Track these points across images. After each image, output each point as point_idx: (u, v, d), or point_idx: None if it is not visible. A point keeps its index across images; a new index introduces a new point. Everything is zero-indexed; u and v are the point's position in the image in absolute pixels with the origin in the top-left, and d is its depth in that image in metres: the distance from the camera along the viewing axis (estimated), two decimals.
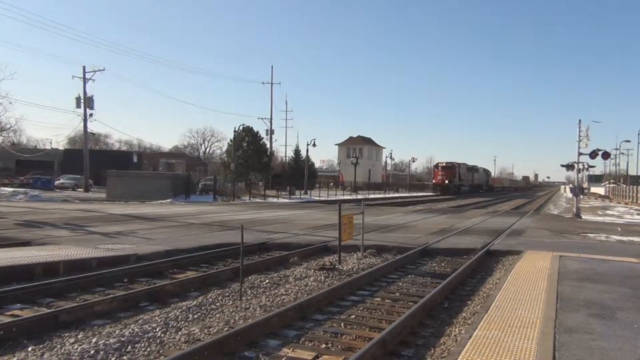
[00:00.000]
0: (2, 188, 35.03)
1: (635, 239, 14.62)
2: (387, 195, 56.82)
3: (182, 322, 5.71)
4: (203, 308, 6.30)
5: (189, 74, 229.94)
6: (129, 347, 4.78)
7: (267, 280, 8.01)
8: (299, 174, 57.66)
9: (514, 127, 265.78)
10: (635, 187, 48.09)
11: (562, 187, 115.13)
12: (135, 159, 63.04)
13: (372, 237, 12.48)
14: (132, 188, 32.95)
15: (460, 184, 70.10)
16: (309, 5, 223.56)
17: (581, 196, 30.47)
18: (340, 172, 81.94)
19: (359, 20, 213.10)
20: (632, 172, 75.84)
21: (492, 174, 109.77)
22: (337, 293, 7.09)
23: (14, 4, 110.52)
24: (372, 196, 51.05)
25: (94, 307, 6.11)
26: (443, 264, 10.21)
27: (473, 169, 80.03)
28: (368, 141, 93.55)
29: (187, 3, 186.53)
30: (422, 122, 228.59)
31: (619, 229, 17.62)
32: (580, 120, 25.65)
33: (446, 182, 66.07)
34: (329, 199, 42.96)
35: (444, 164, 69.22)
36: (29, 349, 4.71)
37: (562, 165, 27.79)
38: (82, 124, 43.79)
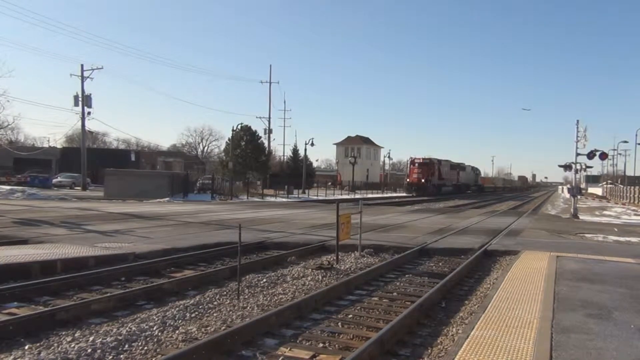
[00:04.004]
0: None
1: (632, 239, 14.65)
2: (385, 195, 56.76)
3: (180, 321, 5.71)
4: (200, 307, 6.30)
5: (187, 73, 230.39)
6: (126, 346, 4.78)
7: (264, 280, 8.01)
8: (297, 173, 57.65)
9: (512, 128, 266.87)
10: (632, 187, 48.25)
11: (560, 187, 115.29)
12: (133, 158, 63.04)
13: (369, 236, 12.48)
14: (130, 186, 32.92)
15: (441, 184, 61.05)
16: (309, 5, 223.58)
17: (579, 197, 30.49)
18: (338, 172, 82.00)
19: (358, 20, 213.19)
20: (630, 172, 76.24)
21: (489, 174, 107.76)
22: (334, 292, 7.09)
23: (13, 1, 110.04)
24: (370, 196, 51.02)
25: (91, 305, 6.10)
26: (441, 264, 10.22)
27: (458, 167, 70.38)
28: (366, 141, 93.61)
29: (186, 3, 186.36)
30: (420, 122, 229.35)
31: (616, 229, 17.67)
32: (578, 121, 25.60)
33: (422, 180, 56.79)
34: (327, 198, 42.94)
35: (421, 160, 59.32)
36: (26, 347, 4.70)
37: (560, 166, 27.81)
38: (80, 122, 43.89)
